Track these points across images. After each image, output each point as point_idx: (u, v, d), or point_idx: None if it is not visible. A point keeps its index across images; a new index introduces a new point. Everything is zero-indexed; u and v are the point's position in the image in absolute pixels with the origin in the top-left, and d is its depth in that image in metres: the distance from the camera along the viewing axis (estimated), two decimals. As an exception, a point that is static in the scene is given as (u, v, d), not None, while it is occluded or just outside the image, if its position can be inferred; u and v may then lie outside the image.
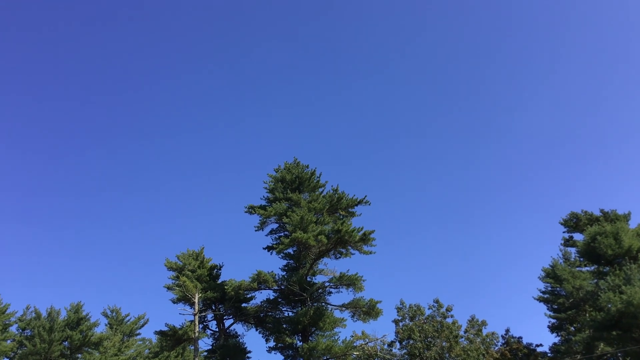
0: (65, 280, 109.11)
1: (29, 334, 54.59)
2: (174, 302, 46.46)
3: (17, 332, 55.48)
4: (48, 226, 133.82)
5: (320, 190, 49.62)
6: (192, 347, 47.37)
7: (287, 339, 42.44)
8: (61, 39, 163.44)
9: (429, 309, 53.94)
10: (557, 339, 52.32)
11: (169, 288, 47.01)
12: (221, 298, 46.55)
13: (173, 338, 46.10)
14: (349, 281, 42.84)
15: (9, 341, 53.56)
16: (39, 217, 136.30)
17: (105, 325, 67.68)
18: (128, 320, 69.55)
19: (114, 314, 69.63)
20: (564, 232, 57.06)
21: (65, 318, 55.93)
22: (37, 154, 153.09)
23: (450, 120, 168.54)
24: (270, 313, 46.15)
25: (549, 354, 51.97)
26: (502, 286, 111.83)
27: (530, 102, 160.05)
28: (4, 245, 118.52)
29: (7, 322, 54.27)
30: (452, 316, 53.14)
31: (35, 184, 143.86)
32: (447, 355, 49.53)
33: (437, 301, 54.23)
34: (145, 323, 70.27)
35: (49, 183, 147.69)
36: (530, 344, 54.45)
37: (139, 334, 70.42)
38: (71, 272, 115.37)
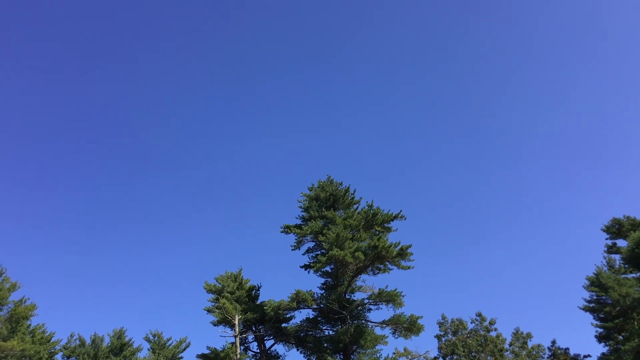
0: (107, 305, 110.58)
1: (74, 361, 55.45)
2: (214, 325, 46.79)
3: (62, 360, 56.38)
4: (87, 252, 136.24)
5: (355, 206, 49.63)
6: (234, 369, 47.45)
7: (329, 358, 42.15)
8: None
9: (471, 322, 53.05)
10: (605, 349, 50.69)
11: (209, 310, 47.34)
12: (261, 319, 46.64)
13: (215, 360, 46.26)
14: (388, 297, 42.51)
15: (55, 369, 54.44)
16: (79, 244, 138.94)
17: (148, 350, 68.10)
18: (170, 345, 69.93)
19: (155, 338, 70.12)
20: (606, 239, 55.53)
21: (109, 344, 56.74)
22: (81, 186, 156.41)
23: (486, 127, 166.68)
24: (310, 332, 46.00)
25: (598, 365, 50.40)
26: (544, 296, 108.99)
27: (564, 104, 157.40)
28: (46, 272, 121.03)
29: (52, 350, 55.16)
30: (495, 329, 52.12)
31: (82, 214, 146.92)
32: (492, 369, 48.52)
33: (479, 314, 53.30)
34: (187, 347, 70.52)
35: (92, 212, 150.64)
36: (578, 355, 52.89)
37: (181, 357, 70.64)
38: (113, 296, 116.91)
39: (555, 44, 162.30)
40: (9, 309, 45.09)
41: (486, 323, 52.63)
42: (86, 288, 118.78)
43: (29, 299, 46.50)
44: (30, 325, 46.25)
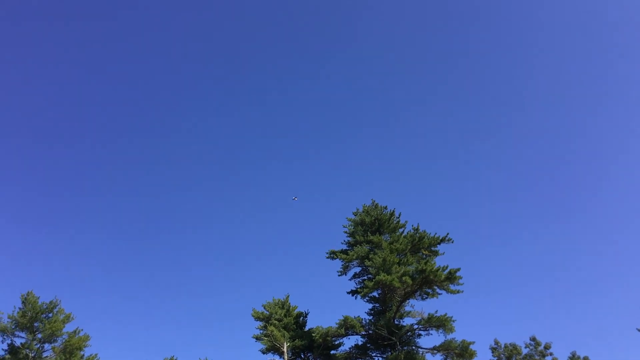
0: (155, 332, 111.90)
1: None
2: (263, 353, 46.84)
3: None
4: (135, 272, 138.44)
5: (401, 230, 49.17)
6: (284, 397, 47.18)
7: (379, 385, 41.57)
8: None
9: (525, 347, 51.29)
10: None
11: (257, 338, 47.45)
12: (309, 346, 46.38)
13: (265, 388, 46.18)
14: (438, 322, 41.65)
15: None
16: (126, 262, 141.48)
17: (199, 378, 68.66)
18: (220, 373, 70.38)
19: (205, 366, 70.65)
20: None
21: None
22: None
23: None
24: (359, 359, 45.40)
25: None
26: (602, 318, 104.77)
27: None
28: (94, 290, 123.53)
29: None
30: (551, 354, 50.23)
31: (126, 253, 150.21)
32: (549, 396, 46.75)
33: (533, 339, 51.56)
34: (236, 375, 70.82)
35: (138, 250, 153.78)
36: (641, 381, 50.52)
37: (231, 386, 70.99)
38: (158, 324, 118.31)
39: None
40: (64, 340, 46.16)
41: (541, 347, 50.85)
42: (131, 316, 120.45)
43: (82, 329, 47.55)
44: (83, 355, 47.11)
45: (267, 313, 49.68)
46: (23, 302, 46.97)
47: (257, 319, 49.69)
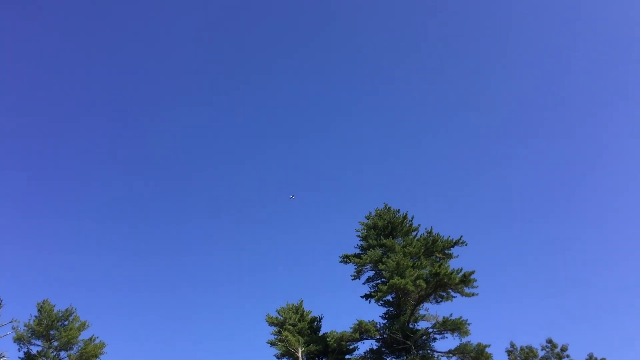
0: (165, 339, 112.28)
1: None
2: (277, 358, 46.82)
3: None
4: (156, 288, 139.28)
5: (414, 233, 49.00)
6: (300, 403, 47.12)
7: (395, 389, 41.40)
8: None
9: (542, 350, 50.86)
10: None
11: (271, 344, 47.42)
12: (324, 350, 46.29)
13: (280, 394, 46.15)
14: (453, 326, 41.42)
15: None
16: (147, 280, 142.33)
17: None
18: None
19: (220, 372, 70.75)
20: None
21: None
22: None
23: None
24: (374, 363, 45.27)
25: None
26: (619, 319, 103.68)
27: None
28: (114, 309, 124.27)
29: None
30: (568, 356, 49.74)
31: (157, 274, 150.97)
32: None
33: (550, 341, 51.12)
34: (251, 380, 70.81)
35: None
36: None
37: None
38: (172, 334, 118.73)
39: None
40: (79, 348, 46.40)
41: (558, 350, 50.42)
42: (147, 325, 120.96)
43: (98, 337, 47.78)
44: (99, 363, 47.34)
45: (281, 318, 49.70)
46: (39, 310, 47.33)
47: (271, 324, 49.71)
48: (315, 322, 50.89)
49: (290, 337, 44.83)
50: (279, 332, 47.54)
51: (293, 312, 50.56)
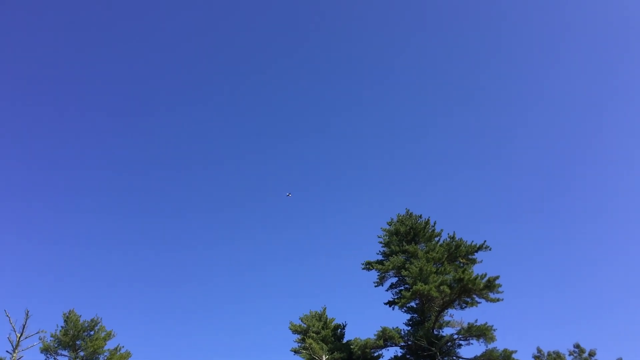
0: (192, 352, 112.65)
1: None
2: (301, 366, 46.59)
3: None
4: (173, 290, 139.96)
5: (437, 239, 48.63)
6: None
7: (421, 397, 40.97)
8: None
9: (569, 355, 49.97)
10: None
11: (295, 352, 47.31)
12: (348, 358, 46.04)
13: (304, 402, 45.92)
14: (478, 332, 40.90)
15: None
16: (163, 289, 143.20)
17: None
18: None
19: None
20: None
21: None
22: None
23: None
24: (399, 371, 44.90)
25: None
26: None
27: None
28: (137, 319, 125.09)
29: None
30: (596, 361, 48.99)
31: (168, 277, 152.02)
32: (597, 405, 45.40)
33: (577, 346, 50.22)
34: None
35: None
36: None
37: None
38: (195, 343, 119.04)
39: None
40: (105, 358, 46.72)
41: (585, 355, 49.53)
42: (169, 337, 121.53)
43: (123, 347, 48.05)
44: (125, 372, 47.57)
45: (305, 326, 49.61)
46: (65, 321, 47.75)
47: (295, 332, 49.64)
48: (339, 330, 50.69)
49: (314, 344, 44.69)
50: (303, 339, 47.46)
51: (316, 319, 50.45)
